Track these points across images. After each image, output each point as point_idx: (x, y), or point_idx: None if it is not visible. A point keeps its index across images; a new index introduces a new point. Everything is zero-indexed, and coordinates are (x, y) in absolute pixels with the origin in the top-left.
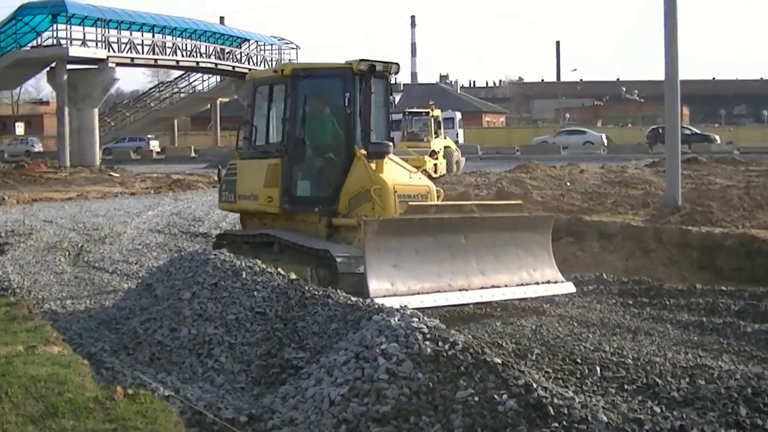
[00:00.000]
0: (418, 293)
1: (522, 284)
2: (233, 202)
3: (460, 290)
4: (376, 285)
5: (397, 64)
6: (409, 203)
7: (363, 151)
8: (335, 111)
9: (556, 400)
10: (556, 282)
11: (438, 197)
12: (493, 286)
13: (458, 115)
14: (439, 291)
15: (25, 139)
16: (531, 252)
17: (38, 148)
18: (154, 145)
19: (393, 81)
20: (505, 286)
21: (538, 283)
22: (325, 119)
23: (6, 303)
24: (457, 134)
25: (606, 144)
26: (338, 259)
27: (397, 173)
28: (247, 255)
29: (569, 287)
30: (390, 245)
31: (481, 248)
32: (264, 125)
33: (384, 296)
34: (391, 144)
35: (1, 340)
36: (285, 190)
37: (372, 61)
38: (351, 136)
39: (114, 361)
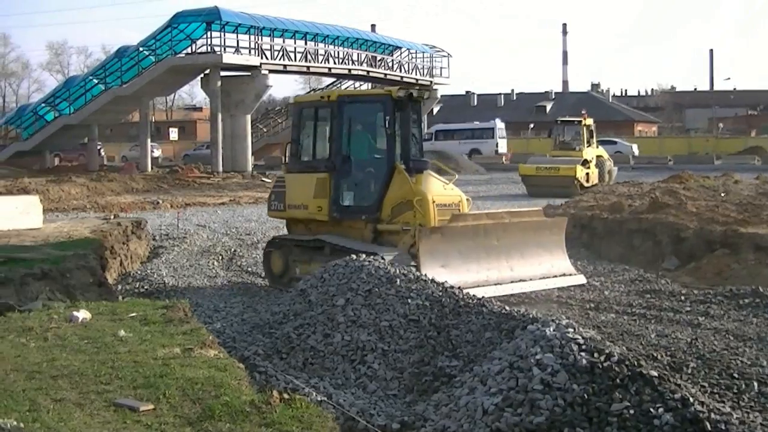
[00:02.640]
0: (463, 288)
1: (543, 277)
2: (283, 210)
3: (495, 284)
4: None
5: (429, 89)
6: (453, 213)
7: (402, 166)
8: (377, 131)
9: (713, 416)
10: (570, 275)
11: (468, 206)
12: (520, 280)
13: (498, 124)
14: (479, 286)
15: None
16: (548, 250)
17: (158, 153)
18: None
19: (427, 98)
20: (530, 279)
21: (555, 276)
22: (368, 139)
23: (162, 306)
24: (497, 144)
25: (636, 154)
26: (386, 258)
27: (433, 186)
28: (298, 258)
29: (581, 279)
30: (439, 248)
31: (510, 248)
32: (310, 144)
33: None
34: (427, 160)
35: (159, 342)
36: (334, 200)
37: (409, 88)
38: (391, 153)
39: (267, 365)
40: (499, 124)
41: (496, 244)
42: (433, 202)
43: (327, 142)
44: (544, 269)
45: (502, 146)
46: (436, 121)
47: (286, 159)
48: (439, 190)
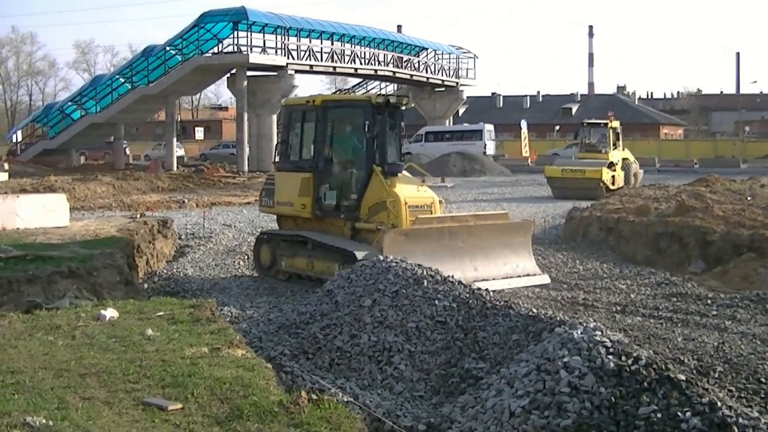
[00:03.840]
0: None
1: (506, 277)
2: (272, 206)
3: None
4: None
5: (408, 96)
6: (418, 216)
7: (379, 169)
8: (357, 135)
9: (741, 420)
10: (534, 275)
11: (441, 207)
12: (483, 279)
13: (487, 127)
14: None
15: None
16: (515, 251)
17: (181, 152)
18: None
19: (404, 109)
20: (493, 279)
21: (519, 276)
22: (349, 142)
23: (190, 305)
24: (485, 146)
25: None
26: (359, 256)
27: (407, 188)
28: (285, 251)
29: (545, 279)
30: (403, 249)
31: (474, 249)
32: (297, 144)
33: None
34: (402, 164)
35: (186, 341)
36: (316, 199)
37: (387, 95)
38: (370, 156)
39: (293, 365)
40: (488, 127)
41: (461, 246)
42: (405, 203)
43: (312, 144)
44: (508, 269)
45: (490, 148)
46: (462, 122)
47: (276, 158)
48: (412, 192)
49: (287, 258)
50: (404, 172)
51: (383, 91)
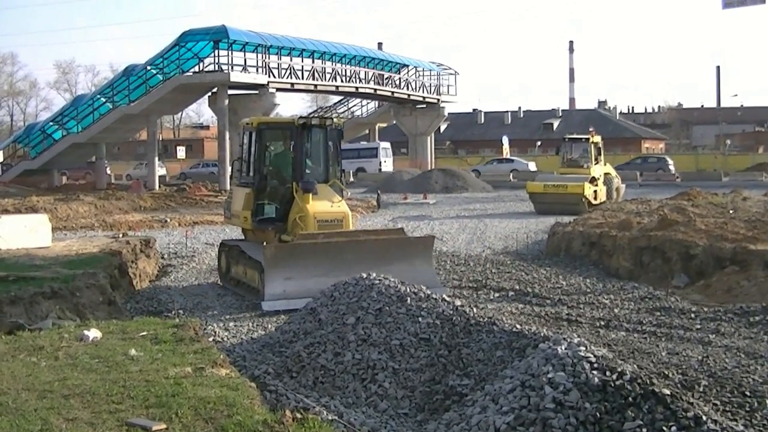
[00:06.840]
0: (307, 297)
1: None
2: (230, 218)
3: None
4: (270, 290)
5: (331, 117)
6: (300, 233)
7: (299, 185)
8: (284, 155)
9: None
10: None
11: (354, 221)
12: None
13: (382, 145)
14: None
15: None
16: (413, 264)
17: (163, 171)
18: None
19: (335, 128)
20: None
21: None
22: (279, 161)
23: (173, 324)
24: (380, 163)
25: (534, 171)
26: (263, 264)
27: (321, 203)
28: (233, 259)
29: (444, 291)
30: (285, 263)
31: (366, 262)
32: (246, 162)
33: (277, 299)
34: (314, 181)
35: (170, 361)
36: (253, 213)
37: (306, 117)
38: (294, 174)
39: (278, 384)
40: (384, 144)
41: (351, 258)
42: (315, 217)
43: (253, 161)
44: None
45: (387, 165)
46: (444, 139)
47: (233, 174)
48: (325, 207)
49: (234, 266)
50: (327, 188)
51: (365, 108)
